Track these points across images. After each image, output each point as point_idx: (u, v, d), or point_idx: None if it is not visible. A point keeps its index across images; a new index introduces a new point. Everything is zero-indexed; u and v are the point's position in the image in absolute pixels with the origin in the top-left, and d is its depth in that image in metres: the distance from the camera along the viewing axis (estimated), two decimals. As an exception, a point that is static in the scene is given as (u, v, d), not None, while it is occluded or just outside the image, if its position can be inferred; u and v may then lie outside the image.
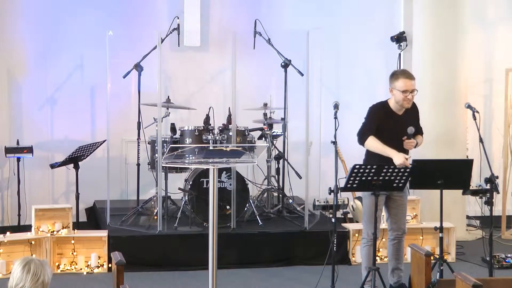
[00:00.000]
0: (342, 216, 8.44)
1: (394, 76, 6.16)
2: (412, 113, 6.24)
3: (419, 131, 6.36)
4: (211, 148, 6.97)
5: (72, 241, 7.22)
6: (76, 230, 7.41)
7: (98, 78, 8.55)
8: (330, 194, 6.04)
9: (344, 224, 7.95)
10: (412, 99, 6.12)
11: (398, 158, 5.94)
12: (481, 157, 6.95)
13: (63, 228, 7.26)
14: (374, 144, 6.06)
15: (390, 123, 6.11)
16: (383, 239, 7.51)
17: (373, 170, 5.73)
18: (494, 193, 6.21)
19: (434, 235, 7.66)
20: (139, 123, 8.08)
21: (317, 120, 7.93)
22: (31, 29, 8.82)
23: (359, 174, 5.74)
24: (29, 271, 3.53)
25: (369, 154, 6.18)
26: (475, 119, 6.26)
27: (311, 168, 7.91)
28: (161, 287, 6.80)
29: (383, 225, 7.38)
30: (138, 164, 8.20)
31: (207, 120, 7.84)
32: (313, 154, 8.18)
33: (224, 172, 7.55)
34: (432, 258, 5.64)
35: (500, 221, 8.82)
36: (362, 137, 6.10)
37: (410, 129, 6.07)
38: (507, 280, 5.36)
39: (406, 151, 6.15)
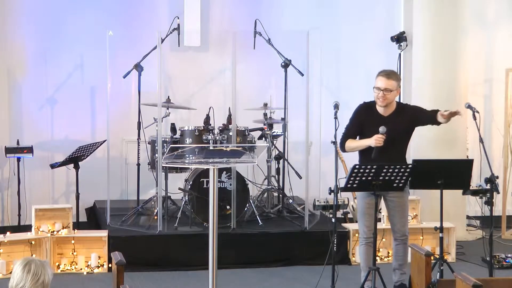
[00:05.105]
0: (342, 216, 8.44)
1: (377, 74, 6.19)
2: (403, 116, 6.12)
3: (434, 112, 6.14)
4: (211, 148, 6.97)
5: (72, 241, 7.23)
6: (76, 230, 7.41)
7: (98, 78, 8.55)
8: (330, 194, 6.04)
9: (344, 224, 7.95)
10: (384, 99, 6.03)
11: (371, 141, 5.94)
12: (481, 157, 6.95)
13: (63, 228, 7.26)
14: (351, 145, 6.13)
15: (373, 124, 6.04)
16: (384, 239, 7.51)
17: (373, 170, 5.73)
18: (494, 193, 6.19)
19: (434, 235, 7.65)
20: (139, 123, 8.09)
21: (317, 120, 7.93)
22: (31, 29, 8.81)
23: (359, 174, 5.73)
24: (30, 271, 3.54)
25: (359, 154, 6.20)
26: (475, 119, 6.24)
27: (311, 168, 7.92)
28: (161, 287, 6.81)
29: (383, 225, 7.42)
30: (138, 164, 8.21)
31: (207, 120, 7.84)
32: (313, 154, 8.19)
33: (224, 172, 7.54)
34: (432, 258, 5.64)
35: (500, 221, 8.81)
36: (341, 145, 6.17)
37: (382, 128, 5.92)
38: (507, 280, 5.36)
39: (394, 156, 6.01)
